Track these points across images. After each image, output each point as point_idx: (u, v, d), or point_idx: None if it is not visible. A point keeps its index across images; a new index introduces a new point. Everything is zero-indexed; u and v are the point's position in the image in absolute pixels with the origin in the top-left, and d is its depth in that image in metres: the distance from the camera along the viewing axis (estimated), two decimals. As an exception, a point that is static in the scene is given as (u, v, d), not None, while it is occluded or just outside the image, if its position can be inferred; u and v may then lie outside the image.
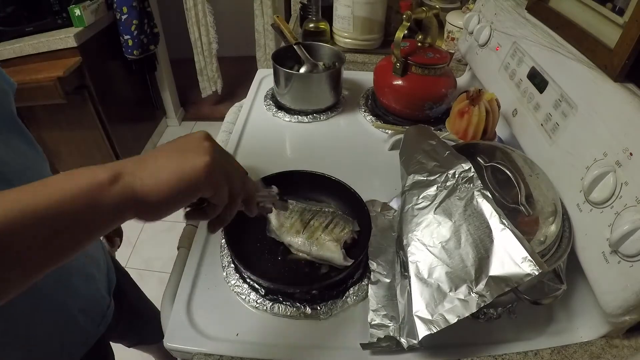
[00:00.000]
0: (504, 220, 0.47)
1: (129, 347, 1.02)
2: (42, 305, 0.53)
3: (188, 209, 0.38)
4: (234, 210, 0.39)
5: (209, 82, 2.46)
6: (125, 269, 0.90)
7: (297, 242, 0.59)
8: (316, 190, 0.69)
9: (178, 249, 0.63)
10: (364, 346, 0.49)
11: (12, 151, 0.49)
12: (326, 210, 0.63)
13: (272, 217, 0.63)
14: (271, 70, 0.93)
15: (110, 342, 0.77)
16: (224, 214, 0.38)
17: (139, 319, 0.93)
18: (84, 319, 0.60)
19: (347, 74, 1.04)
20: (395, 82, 0.86)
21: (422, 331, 0.45)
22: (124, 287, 0.81)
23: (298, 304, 0.54)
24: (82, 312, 0.60)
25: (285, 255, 0.60)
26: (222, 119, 0.94)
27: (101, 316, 0.65)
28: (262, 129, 0.89)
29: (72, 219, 0.28)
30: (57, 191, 0.28)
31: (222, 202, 0.36)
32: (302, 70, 0.97)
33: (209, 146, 0.34)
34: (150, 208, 0.31)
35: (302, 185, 0.68)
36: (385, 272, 0.56)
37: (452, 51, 1.12)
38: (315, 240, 0.59)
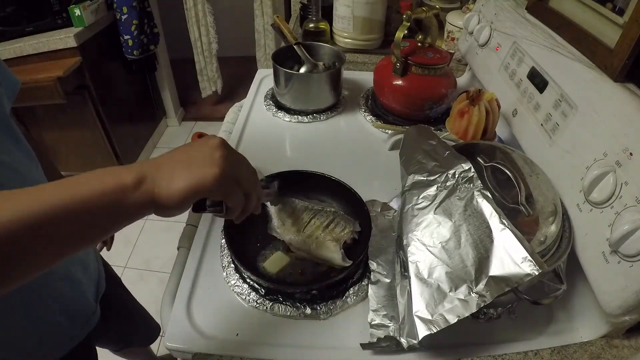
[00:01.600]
0: (504, 220, 0.47)
1: (116, 352, 1.02)
2: (23, 303, 0.53)
3: (209, 203, 0.42)
4: (251, 205, 0.43)
5: (209, 82, 2.46)
6: (125, 269, 0.90)
7: (297, 240, 0.59)
8: (316, 190, 0.69)
9: (178, 249, 0.64)
10: (364, 346, 0.50)
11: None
12: (328, 209, 0.63)
13: (274, 215, 0.63)
14: (271, 70, 0.93)
15: (97, 347, 0.76)
16: (245, 209, 0.43)
17: (129, 325, 0.93)
18: (66, 321, 0.60)
19: (347, 74, 1.04)
20: (395, 82, 0.86)
21: (422, 331, 0.45)
22: (115, 294, 0.82)
23: (298, 304, 0.54)
24: (65, 315, 0.60)
25: (285, 255, 0.60)
26: (222, 119, 0.94)
27: (85, 321, 0.65)
28: (262, 129, 0.89)
29: (95, 215, 0.32)
30: (87, 189, 0.31)
31: (236, 204, 0.40)
32: (302, 70, 0.97)
33: (219, 157, 0.37)
34: (164, 210, 0.36)
35: (302, 185, 0.68)
36: (385, 272, 0.56)
37: (452, 51, 1.12)
38: (315, 240, 0.59)
